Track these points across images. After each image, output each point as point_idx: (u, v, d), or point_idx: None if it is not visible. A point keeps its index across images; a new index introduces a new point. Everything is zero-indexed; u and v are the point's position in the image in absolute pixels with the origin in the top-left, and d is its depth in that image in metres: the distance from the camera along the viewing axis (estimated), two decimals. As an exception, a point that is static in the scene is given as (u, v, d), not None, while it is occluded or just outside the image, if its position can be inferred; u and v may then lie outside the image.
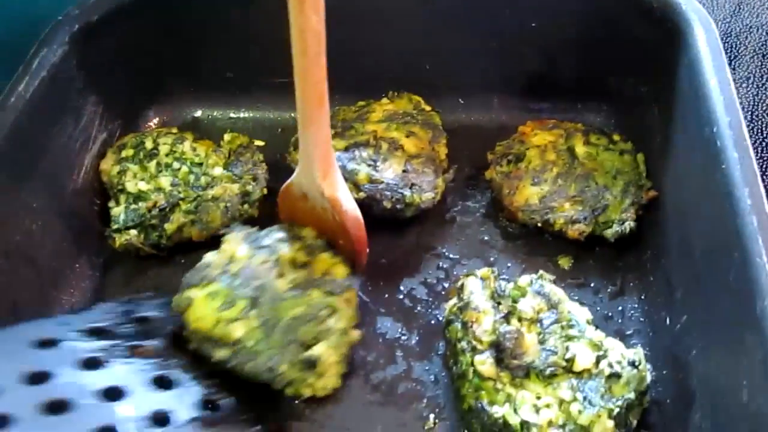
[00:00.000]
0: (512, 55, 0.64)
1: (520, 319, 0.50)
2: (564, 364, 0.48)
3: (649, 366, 0.49)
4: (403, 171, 0.59)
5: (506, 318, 0.50)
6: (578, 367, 0.48)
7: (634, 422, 0.47)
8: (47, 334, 0.47)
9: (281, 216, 0.56)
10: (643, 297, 0.55)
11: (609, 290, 0.56)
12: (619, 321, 0.54)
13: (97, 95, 0.62)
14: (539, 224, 0.58)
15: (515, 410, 0.46)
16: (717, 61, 0.51)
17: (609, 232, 0.56)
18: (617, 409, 0.46)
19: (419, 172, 0.59)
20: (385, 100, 0.65)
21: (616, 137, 0.62)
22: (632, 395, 0.47)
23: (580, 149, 0.60)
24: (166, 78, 0.68)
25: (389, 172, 0.59)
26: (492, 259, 0.58)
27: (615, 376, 0.48)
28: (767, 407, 0.37)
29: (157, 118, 0.69)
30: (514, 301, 0.51)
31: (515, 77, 0.65)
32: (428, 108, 0.64)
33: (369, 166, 0.59)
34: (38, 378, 0.44)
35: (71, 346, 0.47)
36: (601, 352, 0.49)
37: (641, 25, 0.58)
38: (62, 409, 0.43)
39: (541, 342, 0.49)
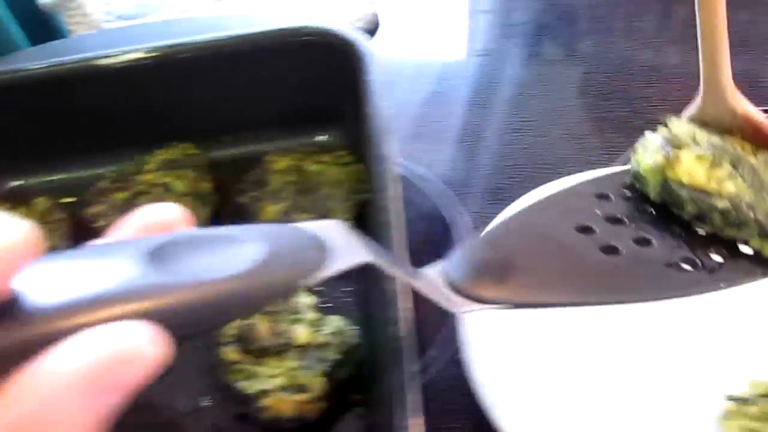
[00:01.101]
0: (256, 99, 0.78)
1: (257, 313, 0.65)
2: (289, 341, 0.63)
3: (359, 331, 0.64)
4: (174, 209, 0.72)
5: (246, 314, 0.65)
6: (300, 341, 0.63)
7: (345, 374, 0.62)
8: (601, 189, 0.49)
9: None
10: (362, 279, 0.70)
11: (338, 277, 0.70)
12: (347, 300, 0.69)
13: None
14: (283, 234, 0.72)
15: (254, 383, 0.61)
16: (379, 89, 0.67)
17: (334, 231, 0.71)
18: (327, 368, 0.61)
19: (188, 207, 0.73)
20: (159, 152, 0.78)
21: (341, 153, 0.77)
22: (339, 356, 0.62)
23: (312, 168, 0.75)
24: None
25: (162, 212, 0.72)
26: (251, 267, 0.73)
27: (326, 344, 0.63)
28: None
29: (-21, 194, 0.82)
30: (252, 300, 0.65)
31: (263, 116, 0.80)
32: (197, 151, 0.78)
33: (146, 210, 0.72)
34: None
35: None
36: (316, 328, 0.64)
37: (338, 64, 0.73)
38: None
39: (273, 328, 0.64)
